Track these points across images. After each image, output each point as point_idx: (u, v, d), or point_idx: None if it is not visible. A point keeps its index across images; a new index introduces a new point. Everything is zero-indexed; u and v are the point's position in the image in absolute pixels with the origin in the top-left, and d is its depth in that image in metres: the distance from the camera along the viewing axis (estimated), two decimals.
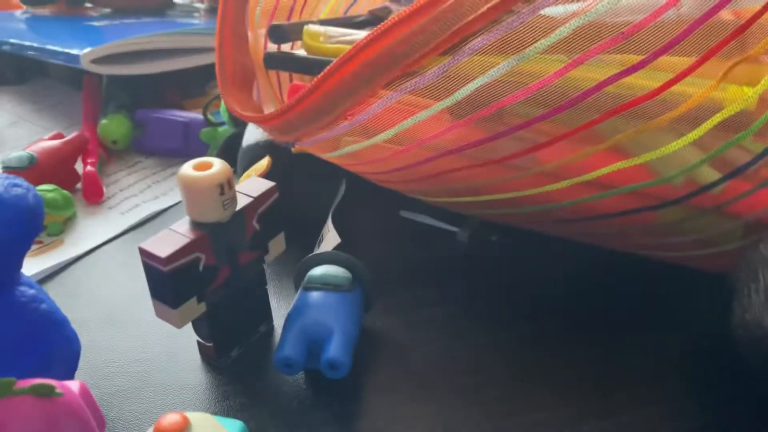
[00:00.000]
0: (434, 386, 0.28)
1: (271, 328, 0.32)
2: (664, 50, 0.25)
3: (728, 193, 0.28)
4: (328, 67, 0.26)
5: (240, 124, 0.43)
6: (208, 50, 0.58)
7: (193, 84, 0.59)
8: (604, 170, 0.28)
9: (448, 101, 0.26)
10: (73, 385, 0.22)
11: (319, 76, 0.26)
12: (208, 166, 0.26)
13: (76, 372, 0.27)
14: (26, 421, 0.20)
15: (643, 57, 0.25)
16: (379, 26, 0.26)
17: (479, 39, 0.25)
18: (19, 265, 0.24)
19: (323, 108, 0.27)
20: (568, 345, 0.30)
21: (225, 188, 0.26)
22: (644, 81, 0.26)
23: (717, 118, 0.26)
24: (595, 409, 0.27)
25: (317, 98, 0.26)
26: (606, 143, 0.28)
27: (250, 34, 0.32)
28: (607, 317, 0.32)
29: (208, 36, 0.58)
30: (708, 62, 0.25)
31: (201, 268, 0.26)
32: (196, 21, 0.67)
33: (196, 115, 0.49)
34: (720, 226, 0.30)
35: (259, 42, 0.35)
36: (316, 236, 0.36)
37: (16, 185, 0.22)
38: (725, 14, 0.25)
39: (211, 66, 0.58)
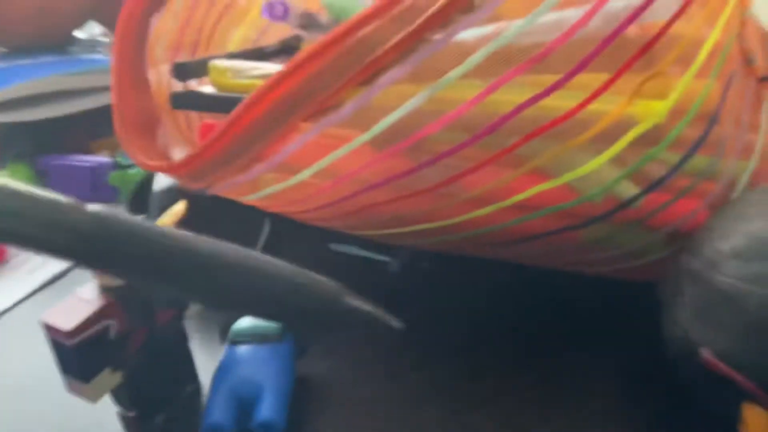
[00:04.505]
0: (376, 429, 0.27)
1: (198, 386, 0.29)
2: (577, 70, 0.25)
3: (648, 205, 0.29)
4: (236, 109, 0.24)
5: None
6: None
7: (100, 124, 0.56)
8: (527, 193, 0.28)
9: (367, 135, 0.25)
10: None
11: (228, 119, 0.24)
12: None
13: None
14: None
15: (558, 78, 0.25)
16: (287, 63, 0.24)
17: (394, 70, 0.24)
18: None
19: (236, 151, 0.25)
20: (507, 370, 0.30)
21: None
22: (561, 102, 0.26)
23: (631, 134, 0.26)
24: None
25: (229, 141, 0.25)
26: (527, 166, 0.27)
27: (151, 73, 0.30)
28: (543, 338, 0.31)
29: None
30: (620, 79, 0.26)
31: (112, 335, 0.24)
32: (100, 56, 0.64)
33: (104, 158, 0.46)
34: (644, 238, 0.30)
35: (163, 81, 0.33)
36: None
37: None
38: (633, 30, 0.26)
39: None
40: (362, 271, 0.38)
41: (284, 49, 0.43)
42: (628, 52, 0.25)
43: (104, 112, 0.54)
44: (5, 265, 0.40)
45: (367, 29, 0.24)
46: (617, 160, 0.27)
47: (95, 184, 0.45)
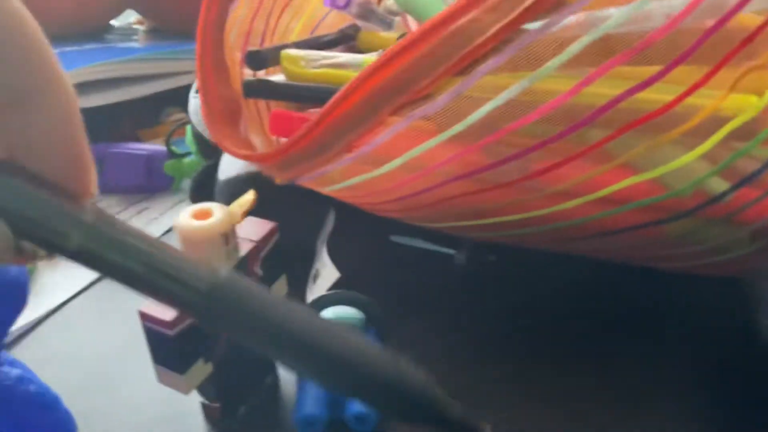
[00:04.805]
0: None
1: (277, 378, 0.29)
2: (679, 61, 0.24)
3: (737, 201, 0.28)
4: (333, 98, 0.24)
5: (211, 155, 0.40)
6: (160, 77, 0.55)
7: (145, 112, 0.55)
8: (615, 187, 0.27)
9: (459, 126, 0.25)
10: None
11: (323, 109, 0.24)
12: (208, 213, 0.23)
13: None
14: None
15: (658, 70, 0.24)
16: (384, 53, 0.24)
17: (491, 60, 0.24)
18: (1, 345, 0.21)
19: (327, 141, 0.25)
20: (582, 369, 0.29)
21: (229, 237, 0.23)
22: (657, 95, 0.26)
23: (726, 129, 0.26)
24: None
25: (322, 132, 0.24)
26: (618, 160, 0.27)
27: (232, 65, 0.29)
28: (613, 335, 0.31)
29: (159, 62, 0.55)
30: (719, 72, 0.25)
31: None
32: (136, 45, 0.64)
33: (157, 146, 0.46)
34: (730, 234, 0.29)
35: (236, 69, 0.32)
36: (306, 270, 0.34)
37: None
38: (734, 22, 0.25)
39: (164, 93, 0.55)
40: (425, 264, 0.37)
41: (342, 39, 0.43)
42: (730, 44, 0.25)
43: (149, 101, 0.54)
44: None
45: (463, 19, 0.24)
46: (709, 155, 0.26)
47: (150, 172, 0.45)
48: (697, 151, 0.26)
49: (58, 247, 0.13)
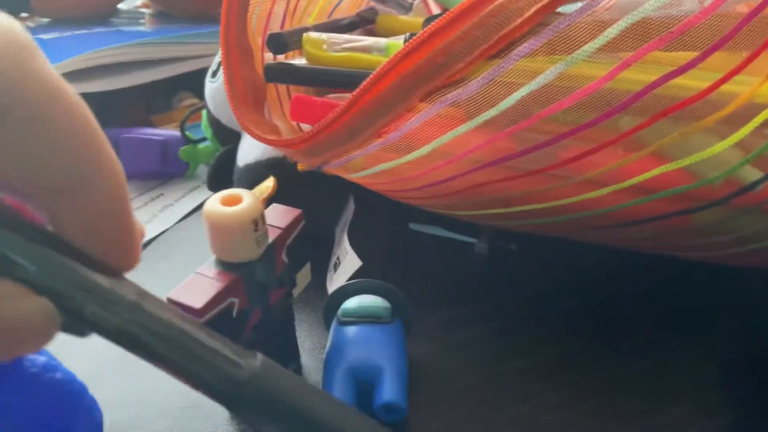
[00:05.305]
0: (486, 419, 0.26)
1: (300, 366, 0.29)
2: (715, 48, 0.24)
3: None
4: (363, 83, 0.23)
5: (228, 141, 0.39)
6: (170, 61, 0.54)
7: (157, 97, 0.55)
8: (646, 175, 0.27)
9: (492, 111, 0.24)
10: None
11: (353, 94, 0.23)
12: (238, 199, 0.23)
13: None
14: None
15: (695, 55, 0.24)
16: (415, 37, 0.23)
17: (527, 43, 0.23)
18: None
19: (356, 127, 0.24)
20: (614, 356, 0.29)
21: (259, 223, 0.23)
22: (694, 81, 0.25)
23: (761, 117, 0.25)
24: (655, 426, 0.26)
25: (351, 118, 0.24)
26: (650, 148, 0.26)
27: (255, 48, 0.29)
28: (639, 325, 0.31)
29: (169, 46, 0.54)
30: (756, 59, 0.24)
31: (235, 314, 0.23)
32: (143, 29, 0.63)
33: (173, 131, 0.45)
34: (761, 223, 0.29)
35: (258, 53, 0.32)
36: (323, 257, 0.34)
37: None
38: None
39: (175, 78, 0.55)
40: (444, 253, 0.37)
41: (360, 22, 0.42)
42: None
43: (160, 86, 0.53)
44: None
45: (498, 1, 0.23)
46: (741, 143, 0.26)
47: (165, 158, 0.44)
48: (730, 139, 0.25)
49: (98, 327, 0.14)
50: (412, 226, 0.39)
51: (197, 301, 0.22)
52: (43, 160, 0.13)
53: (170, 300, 0.22)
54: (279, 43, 0.32)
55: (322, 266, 0.33)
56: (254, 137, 0.26)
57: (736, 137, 0.25)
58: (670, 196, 0.28)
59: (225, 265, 0.23)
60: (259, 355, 0.15)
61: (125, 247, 0.15)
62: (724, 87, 0.25)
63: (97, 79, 0.49)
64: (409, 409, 0.26)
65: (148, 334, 0.14)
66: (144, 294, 0.14)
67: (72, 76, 0.47)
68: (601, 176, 0.27)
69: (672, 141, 0.26)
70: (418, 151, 0.26)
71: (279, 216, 0.26)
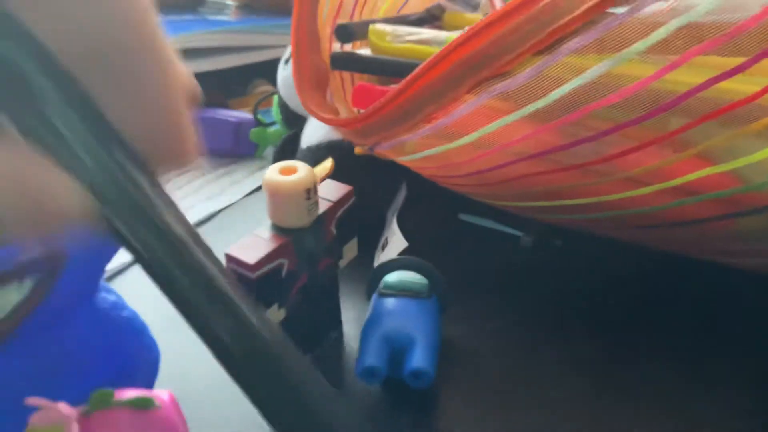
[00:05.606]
0: (514, 400, 0.27)
1: (341, 334, 0.31)
2: (765, 54, 0.24)
3: None
4: (417, 69, 0.25)
5: (294, 125, 0.42)
6: (249, 49, 0.58)
7: (235, 83, 0.58)
8: (691, 176, 0.27)
9: (540, 103, 0.26)
10: (163, 394, 0.22)
11: (407, 78, 0.25)
12: (294, 170, 0.25)
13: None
14: None
15: (744, 60, 0.24)
16: (471, 27, 0.25)
17: (576, 39, 0.24)
18: (102, 274, 0.24)
19: (408, 111, 0.26)
20: (645, 357, 0.29)
21: (311, 193, 0.25)
22: (741, 86, 0.25)
23: None
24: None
25: (404, 101, 0.26)
26: (695, 149, 0.27)
27: (324, 38, 0.31)
28: (678, 326, 0.31)
29: (250, 35, 0.58)
30: None
31: (284, 274, 0.25)
32: (227, 18, 0.66)
33: (246, 114, 0.49)
34: None
35: (326, 43, 0.34)
36: (375, 239, 0.36)
37: None
38: None
39: (253, 65, 0.58)
40: (491, 244, 0.38)
41: (428, 18, 0.44)
42: None
43: (238, 71, 0.57)
44: None
45: None
46: None
47: (237, 138, 0.47)
48: None
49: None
50: (462, 216, 0.40)
51: (251, 257, 0.24)
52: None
53: (227, 255, 0.24)
54: (346, 33, 0.34)
55: (371, 246, 0.35)
56: (314, 116, 0.28)
57: None
58: (714, 199, 0.28)
59: (279, 230, 0.25)
60: (275, 326, 0.15)
61: (179, 135, 0.15)
62: None
63: (182, 61, 0.53)
64: (439, 383, 0.27)
65: (177, 267, 0.14)
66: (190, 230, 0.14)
67: None
68: (644, 175, 0.28)
69: (718, 144, 0.26)
70: (464, 139, 0.27)
71: (331, 190, 0.28)
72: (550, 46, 0.24)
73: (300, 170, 0.25)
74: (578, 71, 0.25)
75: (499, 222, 0.39)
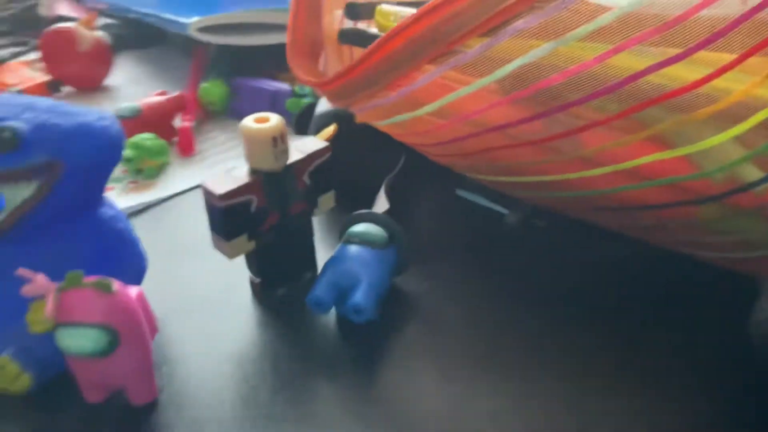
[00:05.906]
0: (455, 355, 0.29)
1: (316, 275, 0.35)
2: (705, 44, 0.25)
3: None
4: (375, 41, 0.28)
5: (319, 96, 0.46)
6: None
7: (283, 57, 0.63)
8: (643, 159, 0.29)
9: (488, 78, 0.28)
10: (132, 290, 0.26)
11: (367, 49, 0.29)
12: (266, 120, 0.29)
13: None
14: (87, 310, 0.24)
15: (685, 48, 0.26)
16: (424, 6, 0.28)
17: (520, 21, 0.27)
18: (103, 188, 0.29)
19: (372, 78, 0.29)
20: (618, 340, 0.30)
21: (278, 141, 0.29)
22: (685, 73, 0.27)
23: (760, 116, 0.26)
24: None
25: (367, 69, 0.29)
26: (644, 132, 0.28)
27: (325, 12, 0.35)
28: (655, 316, 0.32)
29: None
30: (751, 59, 0.25)
31: (253, 209, 0.30)
32: None
33: (284, 85, 0.53)
34: (760, 229, 0.29)
35: (335, 20, 0.38)
36: (368, 201, 0.39)
37: (102, 118, 0.27)
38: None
39: None
40: (482, 221, 0.40)
41: None
42: (761, 35, 0.25)
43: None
44: (194, 158, 0.49)
45: None
46: (743, 141, 0.27)
47: (274, 106, 0.52)
48: (728, 133, 0.27)
49: None
50: (459, 192, 0.43)
51: (220, 189, 0.28)
52: None
53: (202, 186, 0.29)
54: (354, 11, 0.37)
55: (368, 205, 0.38)
56: (297, 77, 0.32)
57: (732, 133, 0.26)
58: (666, 185, 0.29)
59: (252, 171, 0.30)
60: None
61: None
62: (717, 83, 0.26)
63: (239, 34, 0.59)
64: (384, 326, 0.30)
65: None
66: None
67: (215, 29, 0.57)
68: (597, 155, 0.30)
69: (667, 129, 0.28)
70: (427, 107, 0.30)
71: (308, 145, 0.32)
72: (495, 27, 0.27)
73: (271, 120, 0.29)
74: (524, 51, 0.27)
75: (492, 201, 0.41)
